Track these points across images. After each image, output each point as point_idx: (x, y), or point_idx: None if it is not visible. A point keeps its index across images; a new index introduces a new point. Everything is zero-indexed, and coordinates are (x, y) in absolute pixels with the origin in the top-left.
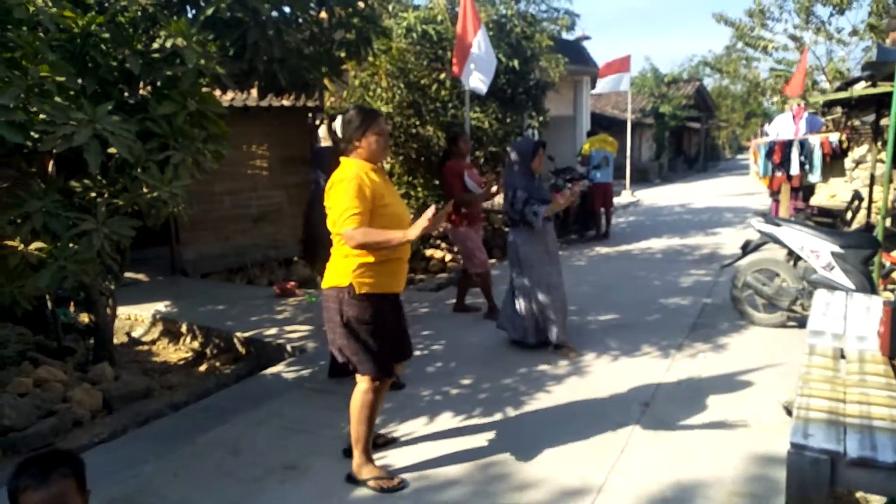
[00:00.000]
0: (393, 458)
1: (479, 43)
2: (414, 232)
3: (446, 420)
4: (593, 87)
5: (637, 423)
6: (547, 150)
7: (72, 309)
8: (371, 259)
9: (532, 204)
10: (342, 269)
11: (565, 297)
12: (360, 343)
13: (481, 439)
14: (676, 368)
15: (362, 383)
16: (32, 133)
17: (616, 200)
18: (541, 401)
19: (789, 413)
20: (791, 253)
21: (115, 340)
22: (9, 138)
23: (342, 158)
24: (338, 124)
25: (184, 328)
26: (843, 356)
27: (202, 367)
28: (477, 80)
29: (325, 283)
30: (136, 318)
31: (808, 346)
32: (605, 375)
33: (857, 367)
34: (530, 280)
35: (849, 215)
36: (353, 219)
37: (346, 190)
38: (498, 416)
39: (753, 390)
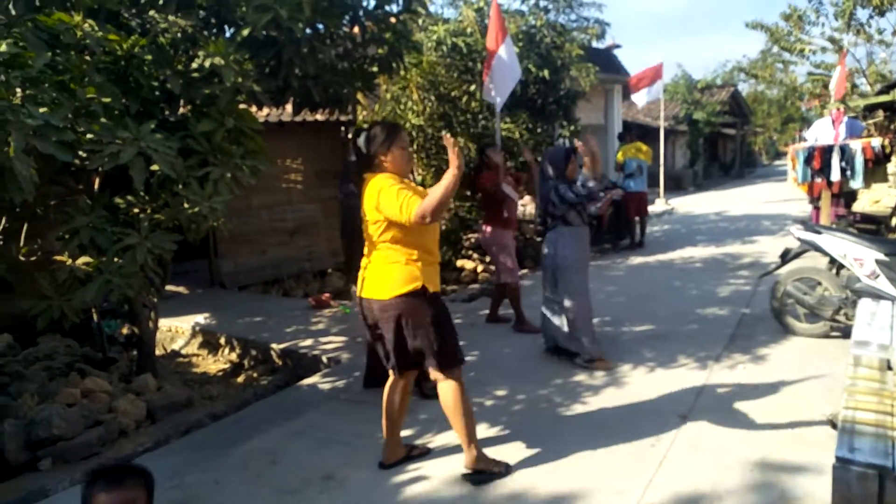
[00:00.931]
0: (429, 468)
1: (503, 54)
2: (456, 161)
3: (482, 431)
4: (625, 95)
5: (676, 435)
6: (579, 159)
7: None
8: (420, 263)
9: (584, 182)
10: (399, 275)
11: (591, 307)
12: (445, 337)
13: (517, 451)
14: (715, 380)
15: (446, 379)
16: (80, 152)
17: (650, 209)
18: (577, 412)
19: (834, 427)
20: (833, 261)
21: (157, 352)
22: (59, 157)
23: (370, 175)
24: (361, 141)
25: (222, 340)
26: (889, 368)
27: (240, 378)
28: (494, 93)
29: (386, 292)
30: (176, 330)
31: (853, 357)
32: (642, 387)
33: None
34: (568, 287)
35: (894, 222)
36: (413, 201)
37: (392, 190)
38: (533, 429)
39: (796, 403)
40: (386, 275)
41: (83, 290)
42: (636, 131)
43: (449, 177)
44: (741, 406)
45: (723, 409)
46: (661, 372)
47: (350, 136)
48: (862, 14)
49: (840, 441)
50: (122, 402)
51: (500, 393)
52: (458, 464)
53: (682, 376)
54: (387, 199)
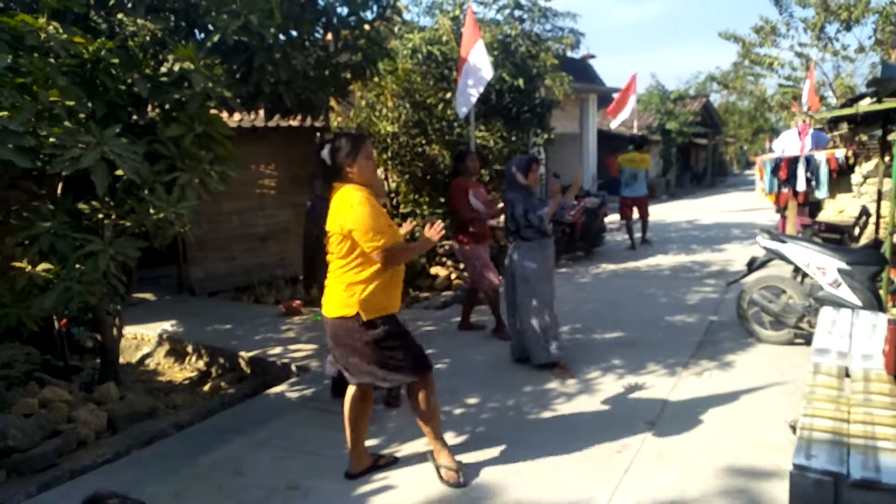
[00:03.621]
0: (396, 478)
1: (472, 59)
2: (431, 239)
3: (450, 439)
4: (600, 105)
5: (642, 441)
6: (553, 167)
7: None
8: (374, 284)
9: (535, 209)
10: (345, 298)
11: (556, 316)
12: (388, 360)
13: (485, 459)
14: (682, 386)
15: (414, 386)
16: (41, 156)
17: (619, 218)
18: (545, 419)
19: (795, 432)
20: (797, 270)
21: (122, 360)
22: (18, 163)
23: (338, 185)
24: (325, 153)
25: (189, 347)
26: (847, 375)
27: (207, 387)
28: (462, 103)
29: (330, 311)
30: (142, 338)
31: (812, 365)
32: (610, 394)
33: (861, 387)
34: (528, 297)
35: (857, 231)
36: (380, 238)
37: (366, 212)
38: (502, 436)
39: (760, 409)
40: (332, 293)
41: (42, 298)
42: (632, 140)
43: (419, 244)
44: (707, 412)
45: (689, 415)
46: (630, 378)
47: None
48: (830, 29)
49: (798, 448)
50: (82, 412)
51: (471, 401)
52: (426, 473)
53: (651, 383)
54: (358, 217)
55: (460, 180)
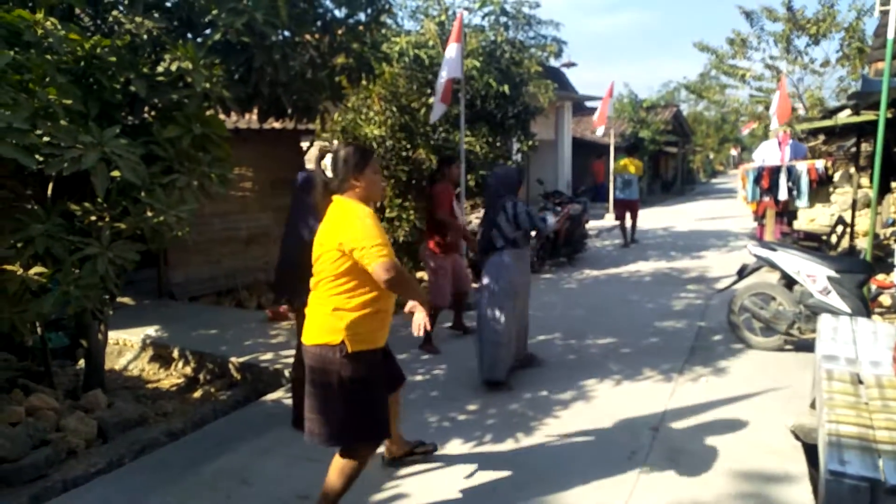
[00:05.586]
0: (406, 486)
1: (450, 53)
2: (418, 307)
3: (456, 447)
4: (574, 112)
5: (649, 449)
6: (532, 173)
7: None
8: (365, 312)
9: (537, 212)
10: (331, 324)
11: (512, 331)
12: (359, 406)
13: (493, 469)
14: (680, 393)
15: (356, 451)
16: (37, 156)
17: (599, 224)
18: (550, 426)
19: (797, 437)
20: (784, 277)
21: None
22: (22, 162)
23: (338, 197)
24: (328, 162)
25: (175, 353)
26: (860, 381)
27: (196, 394)
28: (438, 107)
29: (310, 338)
30: (124, 343)
31: (825, 372)
32: (611, 400)
33: (877, 393)
34: (494, 309)
35: (833, 239)
36: (386, 253)
37: (371, 226)
38: (508, 444)
39: (759, 414)
40: (315, 318)
41: (38, 302)
42: (625, 148)
43: (417, 299)
44: (709, 418)
45: (692, 421)
46: (627, 385)
47: (307, 145)
48: (799, 42)
49: (829, 454)
50: (71, 420)
51: (472, 407)
52: (434, 482)
53: (649, 389)
54: (367, 231)
55: (445, 185)
